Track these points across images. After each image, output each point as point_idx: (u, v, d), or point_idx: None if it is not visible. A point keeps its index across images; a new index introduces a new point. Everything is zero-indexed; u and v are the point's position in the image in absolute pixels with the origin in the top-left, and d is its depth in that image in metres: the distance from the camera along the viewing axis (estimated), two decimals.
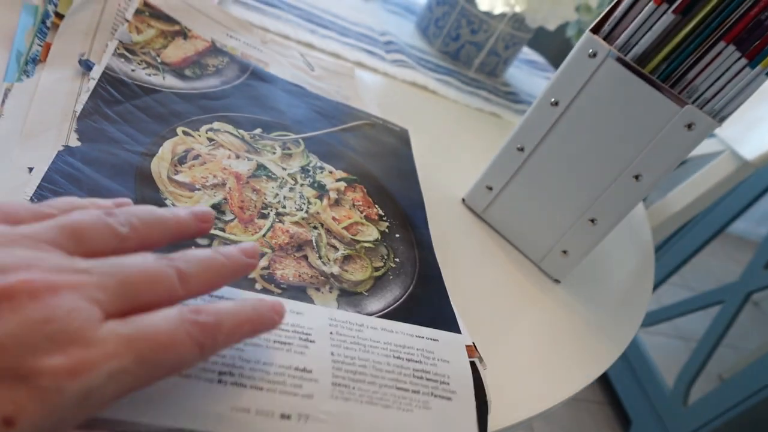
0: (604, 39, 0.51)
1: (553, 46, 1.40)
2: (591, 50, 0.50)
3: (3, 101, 0.40)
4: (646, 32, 0.49)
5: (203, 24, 0.58)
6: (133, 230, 0.29)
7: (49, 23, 0.47)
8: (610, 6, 0.51)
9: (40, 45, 0.45)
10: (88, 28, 0.49)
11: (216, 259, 0.31)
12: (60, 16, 0.47)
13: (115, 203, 0.32)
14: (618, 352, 0.56)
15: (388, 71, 0.78)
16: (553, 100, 0.53)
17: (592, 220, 0.55)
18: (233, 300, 0.31)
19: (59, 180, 0.36)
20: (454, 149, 0.73)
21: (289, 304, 0.38)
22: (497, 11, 0.78)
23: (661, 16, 0.48)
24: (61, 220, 0.28)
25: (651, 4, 0.48)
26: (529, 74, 1.11)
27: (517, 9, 0.75)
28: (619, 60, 0.50)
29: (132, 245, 0.29)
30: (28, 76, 0.43)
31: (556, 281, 0.60)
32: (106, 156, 0.40)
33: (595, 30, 0.51)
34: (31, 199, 0.34)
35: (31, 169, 0.36)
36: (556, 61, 1.38)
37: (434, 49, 0.94)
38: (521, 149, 0.57)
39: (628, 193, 0.53)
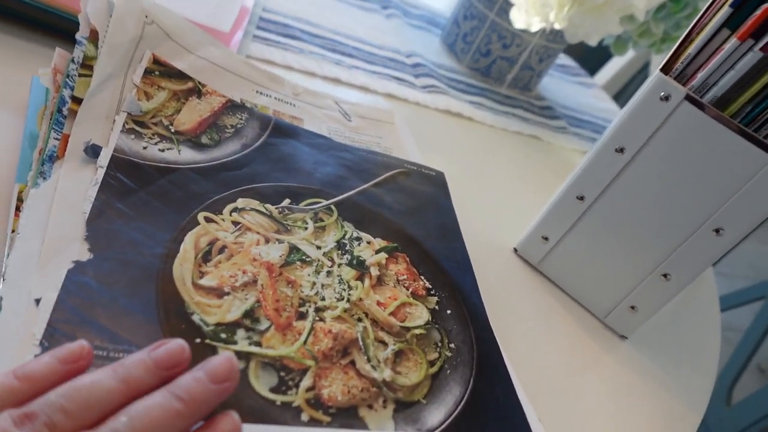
0: (676, 79, 0.44)
1: (581, 47, 1.33)
2: (663, 93, 0.44)
3: (17, 210, 0.34)
4: (727, 71, 0.42)
5: (229, 83, 0.52)
6: (56, 428, 0.24)
7: (65, 110, 0.40)
8: (680, 41, 0.44)
9: (57, 138, 0.38)
10: (108, 110, 0.42)
11: (171, 409, 0.26)
12: (78, 101, 0.41)
13: (59, 358, 0.26)
14: (699, 417, 0.50)
15: (419, 100, 0.72)
16: (618, 146, 0.47)
17: (665, 275, 0.49)
18: None
19: (72, 309, 0.31)
20: (497, 184, 0.67)
21: None
22: (534, 29, 0.71)
23: (745, 53, 0.41)
24: None
25: (734, 40, 0.41)
26: (560, 81, 1.05)
27: (557, 26, 0.69)
28: (696, 103, 0.43)
29: None
30: (45, 179, 0.36)
31: (623, 337, 0.54)
32: (121, 268, 0.34)
33: (666, 69, 0.45)
34: (41, 343, 0.29)
35: (38, 301, 0.31)
36: (584, 62, 1.31)
37: (463, 66, 0.88)
38: (581, 198, 0.51)
39: (707, 248, 0.47)
